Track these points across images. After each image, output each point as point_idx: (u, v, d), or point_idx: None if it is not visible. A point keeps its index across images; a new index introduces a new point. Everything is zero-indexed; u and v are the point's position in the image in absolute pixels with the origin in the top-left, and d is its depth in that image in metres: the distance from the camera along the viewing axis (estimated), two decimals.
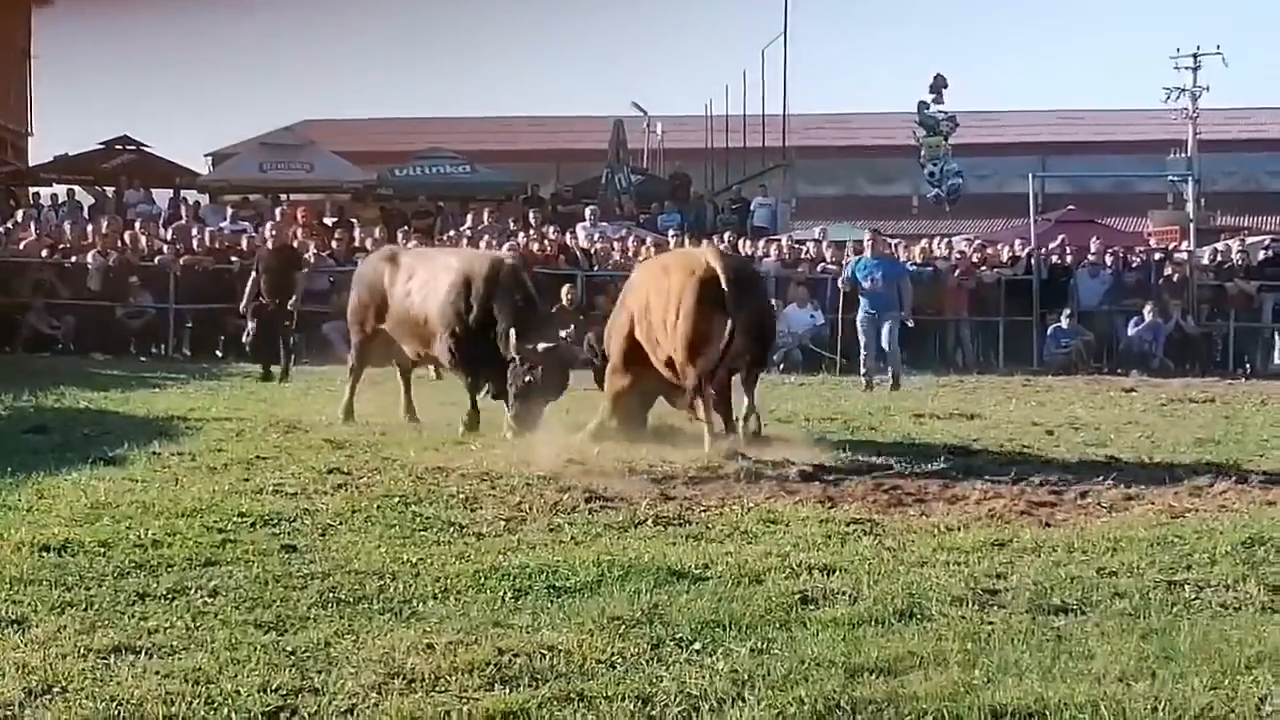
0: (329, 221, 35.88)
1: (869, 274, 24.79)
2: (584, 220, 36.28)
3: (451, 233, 34.38)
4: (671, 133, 56.83)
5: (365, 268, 18.15)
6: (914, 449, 14.61)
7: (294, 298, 24.71)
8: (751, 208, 42.27)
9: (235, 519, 10.42)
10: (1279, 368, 31.29)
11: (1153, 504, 11.73)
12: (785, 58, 48.73)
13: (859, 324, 24.44)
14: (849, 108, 78.52)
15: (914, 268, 29.09)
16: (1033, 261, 32.36)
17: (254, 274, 24.99)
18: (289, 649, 7.14)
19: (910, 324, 25.35)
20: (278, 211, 35.54)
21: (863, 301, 24.61)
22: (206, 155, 63.10)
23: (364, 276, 17.76)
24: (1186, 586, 8.65)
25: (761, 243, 34.30)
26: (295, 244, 28.81)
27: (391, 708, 6.29)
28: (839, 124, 75.92)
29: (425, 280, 16.47)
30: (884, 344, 24.29)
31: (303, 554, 9.37)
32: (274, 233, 27.68)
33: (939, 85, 53.52)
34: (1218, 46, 59.39)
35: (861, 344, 24.29)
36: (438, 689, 6.55)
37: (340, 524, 10.44)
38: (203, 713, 6.25)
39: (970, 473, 13.34)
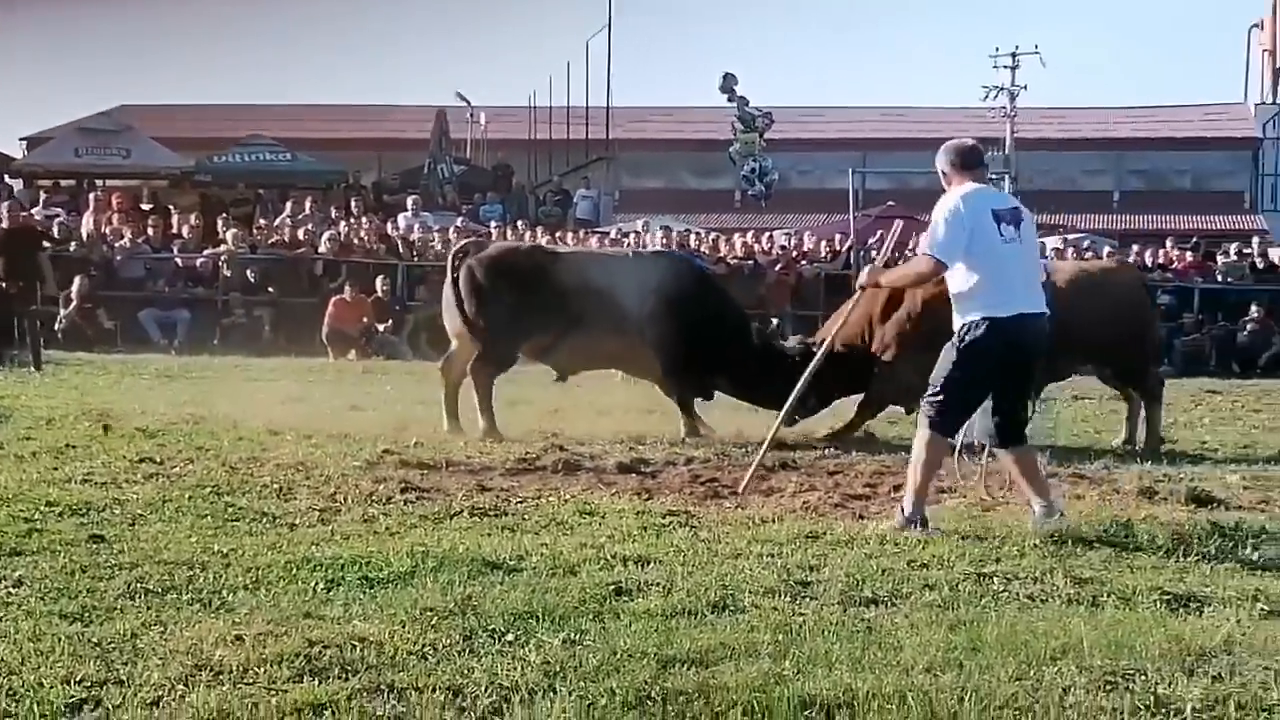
0: (145, 208, 35.46)
1: None
2: (405, 210, 36.16)
3: (259, 221, 34.17)
4: (495, 123, 56.83)
5: (523, 263, 15.88)
6: (733, 441, 14.67)
7: (42, 281, 24.11)
8: (574, 200, 42.29)
9: (43, 508, 10.24)
10: None
11: (964, 497, 11.85)
12: (609, 49, 48.90)
13: None
14: (673, 101, 78.84)
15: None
16: (853, 256, 32.66)
17: None
18: (94, 640, 7.01)
19: None
20: (92, 197, 34.99)
21: None
22: (21, 139, 62.24)
23: (530, 274, 15.66)
24: (995, 579, 8.74)
25: (584, 234, 34.38)
26: (36, 225, 28.09)
27: (198, 700, 6.19)
28: (663, 117, 76.23)
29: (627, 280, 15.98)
30: None
31: (111, 544, 9.21)
32: (9, 213, 26.94)
33: (730, 84, 53.91)
34: (1036, 46, 60.35)
35: None
36: (246, 680, 6.46)
37: (150, 514, 10.28)
38: (4, 705, 6.12)
39: (787, 466, 13.42)
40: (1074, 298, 15.32)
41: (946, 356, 10.48)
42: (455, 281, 15.58)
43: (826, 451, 14.39)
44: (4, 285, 23.71)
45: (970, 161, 10.74)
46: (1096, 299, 15.84)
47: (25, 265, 23.79)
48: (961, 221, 10.30)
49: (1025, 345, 10.47)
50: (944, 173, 10.73)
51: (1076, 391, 20.27)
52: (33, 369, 22.61)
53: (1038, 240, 11.27)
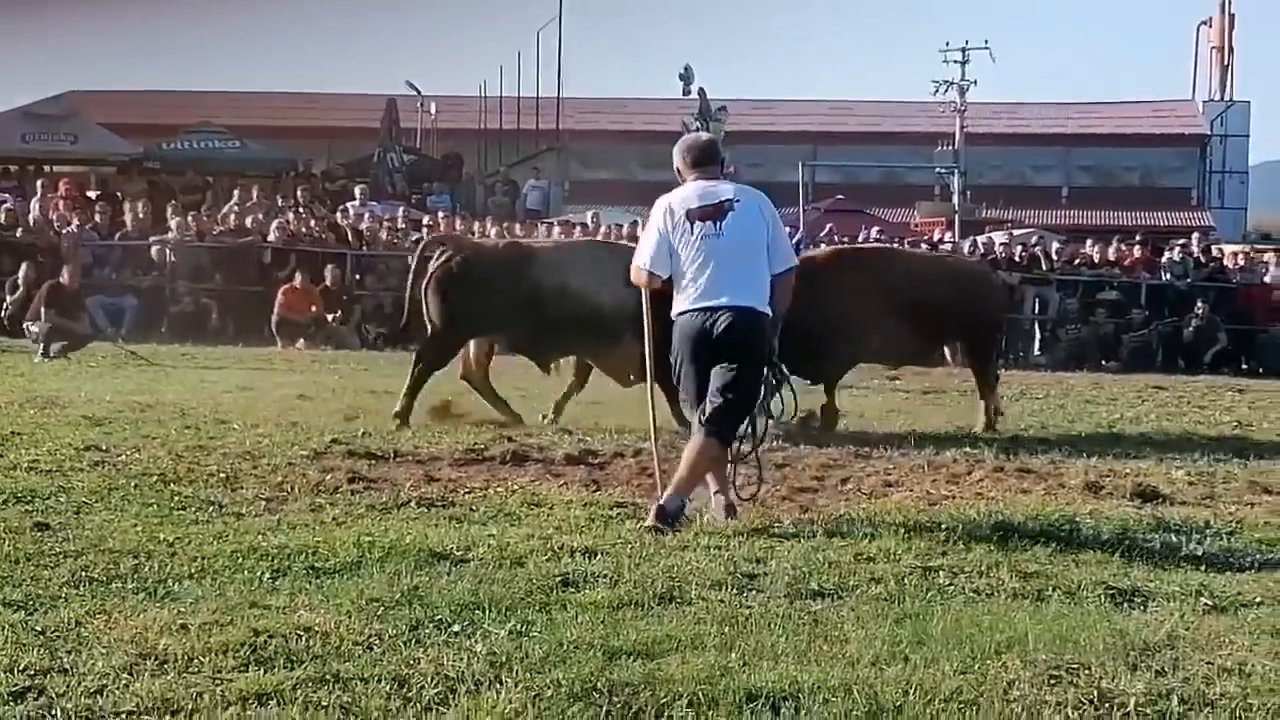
0: (92, 194, 35.28)
1: None
2: (354, 199, 36.07)
3: (208, 208, 34.03)
4: (445, 113, 56.76)
5: (483, 265, 15.69)
6: (679, 434, 14.65)
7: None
8: (524, 190, 42.24)
9: None
10: (1039, 359, 31.95)
11: (911, 491, 11.89)
12: (560, 40, 49.07)
13: None
14: (623, 92, 78.95)
15: None
16: (801, 249, 32.66)
17: None
18: (38, 629, 6.96)
19: None
20: (39, 183, 34.79)
21: None
22: None
23: (484, 272, 15.53)
24: (941, 573, 8.75)
25: (531, 225, 34.33)
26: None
27: (142, 689, 6.16)
28: (613, 108, 76.35)
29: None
30: None
31: (56, 532, 9.16)
32: None
33: (688, 76, 53.76)
34: (985, 41, 60.61)
35: None
36: (190, 670, 6.43)
37: (96, 502, 10.22)
38: None
39: (734, 459, 13.40)
40: None
41: None
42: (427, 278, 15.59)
43: (774, 444, 14.35)
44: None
45: (700, 160, 10.74)
46: None
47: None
48: (659, 232, 10.44)
49: (707, 338, 10.37)
50: (677, 169, 10.80)
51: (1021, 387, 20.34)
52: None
53: (763, 224, 10.57)
